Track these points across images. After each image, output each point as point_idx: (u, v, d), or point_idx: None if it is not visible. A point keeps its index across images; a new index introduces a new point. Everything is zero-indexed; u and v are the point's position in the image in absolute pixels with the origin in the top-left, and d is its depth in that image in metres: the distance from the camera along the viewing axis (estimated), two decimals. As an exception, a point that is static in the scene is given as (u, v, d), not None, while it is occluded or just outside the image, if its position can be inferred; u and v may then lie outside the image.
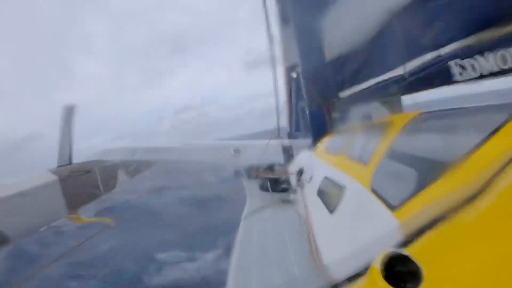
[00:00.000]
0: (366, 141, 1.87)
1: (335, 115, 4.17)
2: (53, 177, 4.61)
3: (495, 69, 1.32)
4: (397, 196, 1.08)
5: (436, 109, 1.48)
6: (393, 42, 2.25)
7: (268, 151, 5.11)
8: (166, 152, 6.74)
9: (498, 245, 0.53)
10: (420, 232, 0.64)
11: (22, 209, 3.85)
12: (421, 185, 0.99)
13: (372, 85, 2.76)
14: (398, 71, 2.23)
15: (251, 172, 4.91)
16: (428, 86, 1.97)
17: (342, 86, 3.52)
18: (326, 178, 2.26)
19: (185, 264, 4.61)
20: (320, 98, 4.15)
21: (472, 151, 0.85)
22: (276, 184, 4.10)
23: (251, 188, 4.42)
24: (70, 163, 5.35)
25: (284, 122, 7.33)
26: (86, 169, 5.42)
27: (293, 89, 7.01)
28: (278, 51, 6.88)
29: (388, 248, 0.59)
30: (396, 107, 3.90)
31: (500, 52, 1.28)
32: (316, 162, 3.11)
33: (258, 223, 2.85)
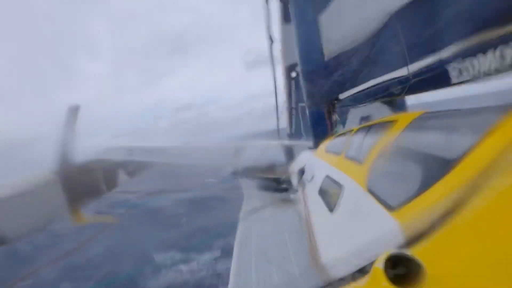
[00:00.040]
0: (366, 141, 1.87)
1: (336, 116, 4.17)
2: (54, 177, 4.60)
3: (495, 69, 1.32)
4: (397, 196, 1.08)
5: (437, 110, 1.48)
6: (394, 42, 2.25)
7: (268, 152, 5.11)
8: (166, 152, 6.74)
9: (500, 244, 0.53)
10: (420, 232, 0.64)
11: (22, 208, 3.85)
12: (421, 185, 0.99)
13: (373, 86, 2.76)
14: (400, 72, 2.23)
15: (250, 172, 4.91)
16: (429, 87, 1.97)
17: (343, 87, 3.52)
18: (327, 177, 2.26)
19: (181, 266, 4.58)
20: (321, 99, 4.15)
21: (473, 151, 0.85)
22: (276, 183, 4.11)
23: (249, 188, 4.42)
24: (71, 162, 5.35)
25: (284, 123, 7.34)
26: (87, 169, 5.42)
27: (293, 89, 7.02)
28: (278, 51, 6.91)
29: (389, 248, 0.59)
30: (397, 107, 3.90)
31: (499, 52, 1.29)
32: (317, 162, 3.11)
33: (259, 223, 2.85)
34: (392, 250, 0.56)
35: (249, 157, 5.66)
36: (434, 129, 1.32)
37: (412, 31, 2.06)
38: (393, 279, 0.51)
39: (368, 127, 2.06)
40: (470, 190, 0.68)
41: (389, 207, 1.08)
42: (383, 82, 2.54)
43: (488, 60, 1.36)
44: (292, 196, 3.54)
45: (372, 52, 2.70)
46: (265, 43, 6.88)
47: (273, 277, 1.81)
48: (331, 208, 1.77)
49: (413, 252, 0.57)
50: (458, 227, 0.62)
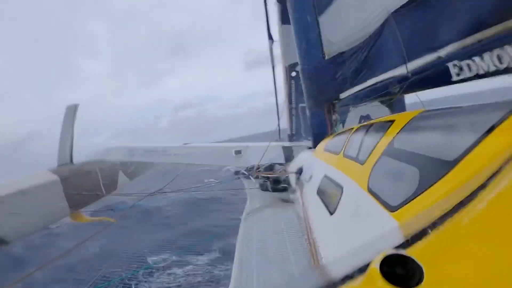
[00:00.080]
0: (365, 140, 1.86)
1: (336, 115, 4.17)
2: (53, 177, 4.60)
3: (494, 68, 1.32)
4: (396, 196, 1.07)
5: (437, 108, 1.47)
6: (394, 42, 2.25)
7: (269, 153, 5.11)
8: (166, 152, 6.74)
9: (499, 245, 0.52)
10: (419, 232, 0.63)
11: (20, 209, 3.84)
12: (420, 185, 0.98)
13: (373, 85, 2.76)
14: (399, 71, 2.23)
15: (251, 172, 4.91)
16: (429, 85, 1.96)
17: (343, 86, 3.52)
18: (325, 177, 2.25)
19: (176, 269, 4.53)
20: (321, 99, 4.15)
21: (473, 150, 0.85)
22: (276, 183, 4.10)
23: (251, 188, 4.42)
24: (70, 162, 5.35)
25: (284, 123, 7.35)
26: (87, 169, 5.42)
27: (293, 89, 7.02)
28: (278, 51, 6.91)
29: (387, 248, 0.59)
30: (396, 106, 3.90)
31: (497, 51, 1.28)
32: (316, 161, 3.10)
33: (259, 223, 2.84)
34: (389, 250, 0.55)
35: (249, 157, 5.65)
36: (434, 128, 1.31)
37: (411, 30, 2.06)
38: (390, 279, 0.51)
39: (368, 126, 2.05)
40: (470, 190, 0.67)
41: (390, 208, 1.07)
42: (383, 80, 2.54)
43: (487, 59, 1.36)
44: (291, 196, 3.54)
45: (371, 51, 2.70)
46: (265, 43, 6.89)
47: (273, 277, 1.81)
48: (331, 209, 1.77)
49: (413, 253, 0.56)
50: (459, 228, 0.61)
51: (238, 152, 6.08)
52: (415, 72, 1.99)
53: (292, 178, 3.68)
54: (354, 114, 4.59)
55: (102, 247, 5.14)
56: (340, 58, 3.47)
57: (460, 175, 0.83)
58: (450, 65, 1.61)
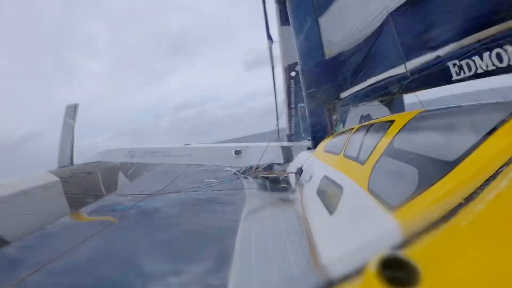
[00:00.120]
0: (365, 140, 1.86)
1: (336, 115, 4.17)
2: (54, 178, 4.61)
3: (494, 67, 1.32)
4: (396, 196, 1.07)
5: (436, 108, 1.47)
6: (393, 41, 2.25)
7: (268, 153, 5.11)
8: (167, 153, 6.74)
9: (499, 246, 0.52)
10: (418, 232, 0.63)
11: (21, 209, 3.84)
12: (421, 184, 0.98)
13: (372, 84, 2.76)
14: (399, 70, 2.23)
15: (251, 172, 4.91)
16: (428, 85, 1.96)
17: (343, 86, 3.52)
18: (325, 177, 2.25)
19: (171, 279, 4.43)
20: (321, 99, 4.15)
21: (473, 151, 0.84)
22: (276, 183, 4.10)
23: (251, 188, 4.41)
24: (71, 164, 5.36)
25: (284, 123, 7.34)
26: (87, 171, 5.43)
27: (293, 89, 7.02)
28: (277, 51, 6.91)
29: (386, 248, 0.59)
30: (396, 106, 3.90)
31: (496, 51, 1.28)
32: (315, 162, 3.10)
33: (258, 223, 2.84)
34: (386, 251, 0.55)
35: (249, 158, 5.66)
36: (434, 128, 1.31)
37: (410, 29, 2.06)
38: (387, 280, 0.50)
39: (368, 127, 2.05)
40: (470, 191, 0.67)
41: (390, 208, 1.07)
42: (382, 80, 2.54)
43: (487, 58, 1.36)
44: (291, 196, 3.54)
45: (371, 51, 2.71)
46: (264, 43, 6.89)
47: (272, 277, 1.81)
48: (330, 209, 1.76)
49: (412, 253, 0.56)
50: (459, 228, 0.61)
51: (238, 152, 6.09)
52: (415, 72, 1.99)
53: (292, 178, 3.68)
54: (354, 114, 4.59)
55: (97, 250, 5.10)
56: (340, 58, 3.47)
57: (460, 175, 0.83)
58: (450, 64, 1.61)
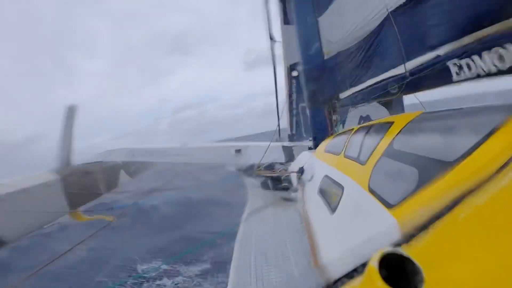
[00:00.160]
0: (365, 141, 1.87)
1: (336, 116, 4.17)
2: (54, 177, 4.61)
3: (493, 69, 1.32)
4: (396, 195, 1.09)
5: (436, 110, 1.48)
6: (393, 41, 2.25)
7: (269, 152, 5.11)
8: (167, 153, 6.75)
9: (498, 244, 0.53)
10: (418, 230, 0.64)
11: (21, 208, 3.84)
12: (420, 185, 0.99)
13: (372, 85, 2.76)
14: (398, 71, 2.24)
15: (252, 171, 4.91)
16: (428, 86, 1.97)
17: (342, 87, 3.52)
18: (326, 177, 2.26)
19: (167, 280, 4.37)
20: (321, 99, 4.16)
21: (471, 151, 0.86)
22: (277, 182, 4.11)
23: (253, 186, 4.42)
24: (70, 164, 5.36)
25: (285, 123, 7.34)
26: (87, 170, 5.43)
27: (294, 89, 7.01)
28: (279, 50, 6.89)
29: (386, 246, 0.59)
30: (395, 107, 3.90)
31: (497, 52, 1.29)
32: (317, 162, 3.11)
33: (259, 222, 2.85)
34: (386, 249, 0.56)
35: (250, 157, 5.66)
36: (433, 129, 1.32)
37: (410, 29, 2.06)
38: (388, 278, 0.51)
39: (368, 127, 2.06)
40: (470, 189, 0.68)
41: (391, 207, 1.08)
42: (382, 80, 2.54)
43: (487, 59, 1.36)
44: (292, 195, 3.55)
45: (370, 50, 2.71)
46: (264, 43, 6.88)
47: (272, 277, 1.82)
48: (331, 208, 1.77)
49: (411, 250, 0.57)
50: (457, 226, 0.62)
51: (238, 151, 6.10)
52: (414, 72, 1.99)
53: (294, 178, 3.69)
54: (353, 115, 4.60)
55: (93, 251, 5.06)
56: (339, 58, 3.47)
57: (459, 176, 0.84)
58: (450, 64, 1.61)
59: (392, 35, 2.22)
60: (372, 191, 1.32)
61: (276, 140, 6.28)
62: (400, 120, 1.60)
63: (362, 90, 3.02)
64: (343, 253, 1.21)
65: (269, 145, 5.13)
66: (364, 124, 2.48)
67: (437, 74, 1.73)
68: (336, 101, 3.96)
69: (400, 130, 1.48)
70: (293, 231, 2.37)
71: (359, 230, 1.27)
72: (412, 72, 2.01)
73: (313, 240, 1.86)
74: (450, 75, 1.60)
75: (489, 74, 1.36)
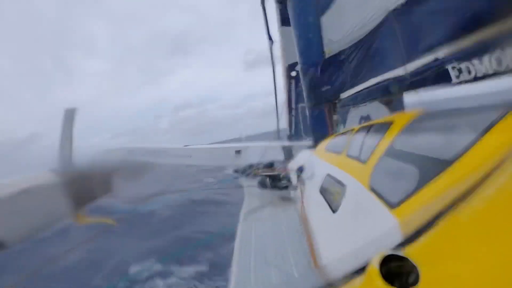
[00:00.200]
0: (366, 140, 1.87)
1: (336, 115, 4.17)
2: (54, 178, 4.60)
3: (492, 70, 1.32)
4: (396, 195, 1.08)
5: (437, 109, 1.48)
6: (394, 42, 2.25)
7: (269, 152, 5.11)
8: (167, 153, 6.76)
9: (499, 244, 0.52)
10: (419, 230, 0.63)
11: (21, 210, 3.82)
12: (421, 183, 0.99)
13: (373, 85, 2.76)
14: (398, 71, 2.23)
15: (251, 170, 4.91)
16: (429, 85, 1.97)
17: (343, 86, 3.52)
18: (328, 176, 2.25)
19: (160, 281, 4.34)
20: (321, 99, 4.15)
21: (472, 149, 0.85)
22: (276, 181, 4.09)
23: (250, 186, 4.41)
24: (71, 165, 5.35)
25: (284, 123, 7.35)
26: (87, 171, 5.42)
27: (293, 89, 7.02)
28: (277, 51, 6.91)
29: (387, 247, 0.59)
30: (396, 106, 3.90)
31: (496, 53, 1.28)
32: (317, 160, 3.11)
33: (258, 221, 2.84)
34: (387, 250, 0.56)
35: (249, 157, 5.66)
36: (433, 128, 1.32)
37: (410, 29, 2.06)
38: (388, 279, 0.51)
39: (369, 126, 2.06)
40: (469, 188, 0.67)
41: (392, 207, 1.08)
42: (382, 81, 2.54)
43: (487, 60, 1.36)
44: (292, 193, 3.53)
45: (370, 50, 2.71)
46: (264, 43, 6.89)
47: (272, 277, 1.81)
48: (333, 207, 1.77)
49: (412, 251, 0.57)
50: (457, 225, 0.61)
51: (238, 152, 6.12)
52: (414, 73, 1.99)
53: (293, 176, 3.68)
54: (354, 115, 4.60)
55: (89, 254, 5.05)
56: (339, 57, 3.47)
57: (459, 174, 0.84)
58: (449, 65, 1.61)
59: (393, 35, 2.22)
60: (373, 190, 1.32)
61: (276, 140, 6.29)
62: (401, 119, 1.61)
63: (362, 90, 3.02)
64: (343, 255, 1.20)
65: (268, 145, 5.13)
66: (366, 123, 2.48)
67: (437, 75, 1.73)
68: (336, 101, 3.95)
69: (401, 129, 1.48)
70: (293, 231, 2.37)
71: (361, 229, 1.27)
72: (413, 73, 2.01)
73: (313, 240, 1.86)
74: (450, 76, 1.60)
75: (490, 75, 1.36)
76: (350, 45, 3.13)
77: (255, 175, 4.60)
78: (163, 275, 4.45)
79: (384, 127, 1.69)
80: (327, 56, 3.79)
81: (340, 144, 2.49)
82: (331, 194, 1.95)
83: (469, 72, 1.47)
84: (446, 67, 1.63)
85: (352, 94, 3.30)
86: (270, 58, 6.95)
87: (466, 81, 1.52)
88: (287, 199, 3.43)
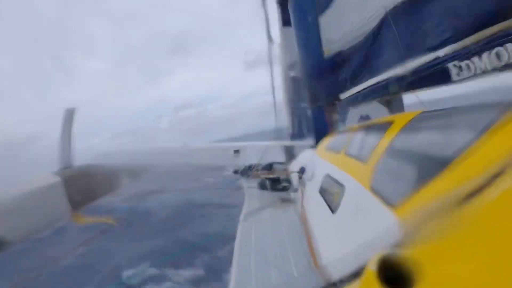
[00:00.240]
0: (366, 139, 1.87)
1: (337, 115, 4.17)
2: (55, 179, 4.60)
3: (492, 68, 1.32)
4: (397, 194, 1.08)
5: (437, 108, 1.47)
6: (393, 41, 2.24)
7: (269, 152, 5.10)
8: (167, 154, 6.76)
9: (500, 244, 0.52)
10: (419, 230, 0.63)
11: (21, 211, 3.83)
12: (421, 183, 0.98)
13: (373, 85, 2.76)
14: (398, 70, 2.23)
15: (250, 171, 4.89)
16: (429, 85, 1.96)
17: (344, 86, 3.51)
18: (327, 176, 2.25)
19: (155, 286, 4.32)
20: (322, 99, 4.15)
21: (473, 148, 0.84)
22: (276, 183, 4.08)
23: (250, 187, 4.39)
24: (71, 165, 5.35)
25: (285, 123, 7.35)
26: (87, 172, 5.43)
27: (294, 89, 7.02)
28: (277, 51, 6.92)
29: (386, 247, 0.58)
30: (396, 106, 3.89)
31: (496, 51, 1.28)
32: (317, 160, 3.10)
33: (258, 223, 2.83)
34: (385, 250, 0.55)
35: (249, 157, 5.65)
36: (433, 127, 1.31)
37: (410, 28, 2.05)
38: (387, 280, 0.50)
39: (370, 125, 2.05)
40: (471, 189, 0.66)
41: (392, 207, 1.07)
42: (382, 81, 2.54)
43: (487, 58, 1.36)
44: (292, 195, 3.52)
45: (370, 50, 2.70)
46: (264, 43, 6.91)
47: (272, 277, 1.81)
48: (332, 208, 1.77)
49: (414, 252, 0.56)
50: (460, 226, 0.60)
51: (237, 151, 6.11)
52: (414, 72, 1.99)
53: (294, 177, 3.67)
54: (354, 114, 4.59)
55: (92, 254, 5.05)
56: (339, 57, 3.47)
57: (460, 174, 0.83)
58: (450, 64, 1.61)
59: (392, 34, 2.21)
60: (376, 191, 1.31)
61: (276, 140, 6.28)
62: (401, 119, 1.60)
63: (362, 90, 3.02)
64: (342, 255, 1.20)
65: (268, 145, 5.12)
66: (365, 123, 2.47)
67: (437, 74, 1.73)
68: (336, 101, 3.95)
69: (401, 129, 1.48)
70: (293, 232, 2.36)
71: (361, 229, 1.26)
72: (413, 73, 2.01)
73: (313, 240, 1.85)
74: (451, 75, 1.60)
75: (489, 72, 1.35)
76: (350, 45, 3.12)
77: (254, 177, 4.58)
78: (156, 276, 4.44)
79: (384, 127, 1.69)
80: (326, 56, 3.79)
81: (340, 143, 2.49)
82: (331, 194, 1.94)
83: (469, 70, 1.47)
84: (446, 65, 1.63)
85: (352, 94, 3.30)
86: (269, 59, 6.97)
87: (466, 80, 1.52)
88: (287, 200, 3.43)
